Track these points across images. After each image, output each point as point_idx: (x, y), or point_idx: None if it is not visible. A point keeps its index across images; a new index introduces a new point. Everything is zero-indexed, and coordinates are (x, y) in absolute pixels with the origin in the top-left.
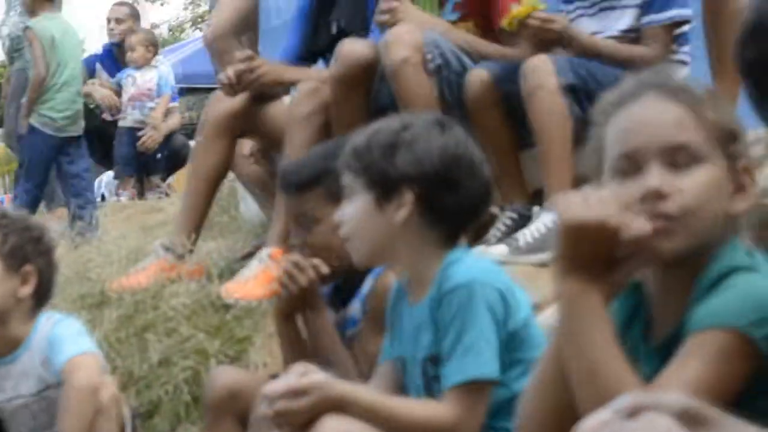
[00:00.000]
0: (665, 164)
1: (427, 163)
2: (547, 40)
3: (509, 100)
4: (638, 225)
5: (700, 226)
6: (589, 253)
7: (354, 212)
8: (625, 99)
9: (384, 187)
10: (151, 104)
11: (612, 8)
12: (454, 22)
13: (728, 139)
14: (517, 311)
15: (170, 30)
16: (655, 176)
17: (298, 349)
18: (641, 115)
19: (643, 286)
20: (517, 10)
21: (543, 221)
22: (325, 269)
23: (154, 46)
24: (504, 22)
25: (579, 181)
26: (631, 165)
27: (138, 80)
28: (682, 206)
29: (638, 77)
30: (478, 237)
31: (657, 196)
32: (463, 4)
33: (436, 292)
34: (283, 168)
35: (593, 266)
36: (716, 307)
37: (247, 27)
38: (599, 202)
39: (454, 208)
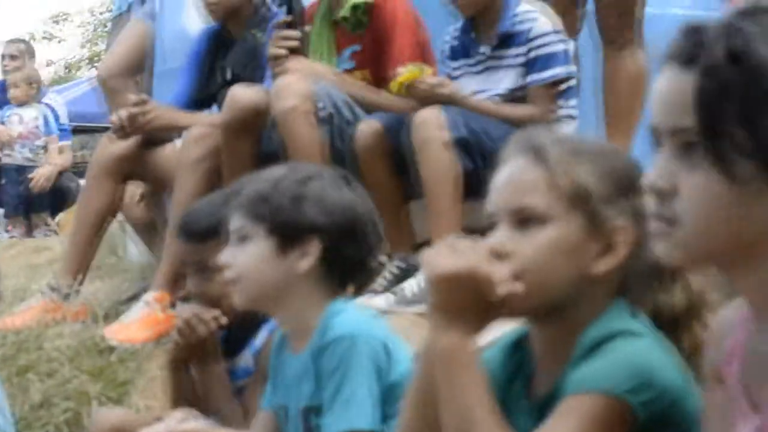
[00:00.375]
0: (514, 225)
1: (336, 215)
2: (438, 102)
3: (399, 152)
4: (499, 276)
5: (543, 286)
6: (463, 303)
7: (249, 257)
8: (502, 161)
9: (289, 235)
10: (38, 142)
11: (496, 68)
12: (349, 71)
13: (584, 201)
14: (399, 363)
15: (66, 68)
16: (499, 236)
17: (187, 397)
18: (501, 177)
19: (528, 341)
20: (403, 75)
21: None
22: (224, 320)
23: (36, 83)
24: (392, 86)
25: (465, 234)
26: (493, 225)
27: (24, 118)
28: (520, 266)
29: (513, 139)
30: (363, 286)
31: (496, 255)
32: (359, 52)
33: (318, 341)
34: (184, 215)
35: (468, 317)
36: (595, 371)
37: (141, 68)
38: (469, 251)
39: (351, 261)
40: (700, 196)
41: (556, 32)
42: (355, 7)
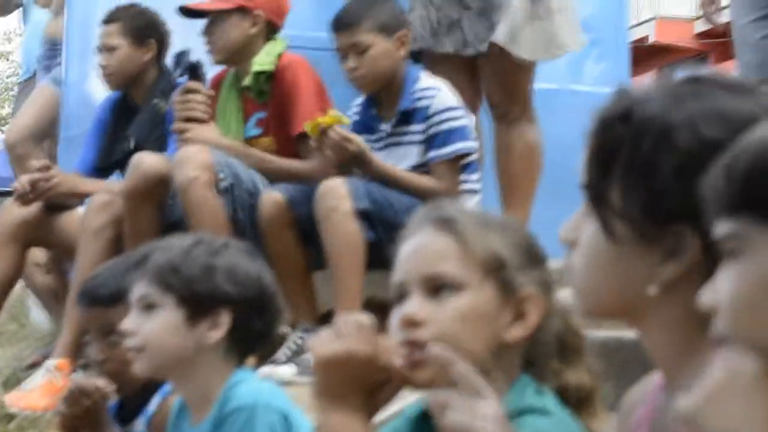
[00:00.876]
0: (426, 293)
1: (246, 286)
2: (343, 158)
3: (303, 222)
4: (388, 358)
5: (460, 353)
6: (344, 385)
7: (157, 326)
8: (408, 232)
9: (201, 306)
10: None
11: (398, 144)
12: (256, 137)
13: (497, 269)
14: None
15: None
16: (412, 304)
17: None
18: (411, 247)
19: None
20: (322, 117)
21: None
22: (111, 390)
23: None
24: (306, 126)
25: (369, 304)
26: (400, 295)
27: None
28: (436, 334)
29: (420, 211)
30: (265, 356)
31: (410, 323)
32: (264, 119)
33: (218, 412)
34: (86, 281)
35: (351, 398)
36: None
37: (48, 134)
38: (352, 333)
39: (257, 332)
40: (587, 249)
41: (457, 107)
42: (257, 76)
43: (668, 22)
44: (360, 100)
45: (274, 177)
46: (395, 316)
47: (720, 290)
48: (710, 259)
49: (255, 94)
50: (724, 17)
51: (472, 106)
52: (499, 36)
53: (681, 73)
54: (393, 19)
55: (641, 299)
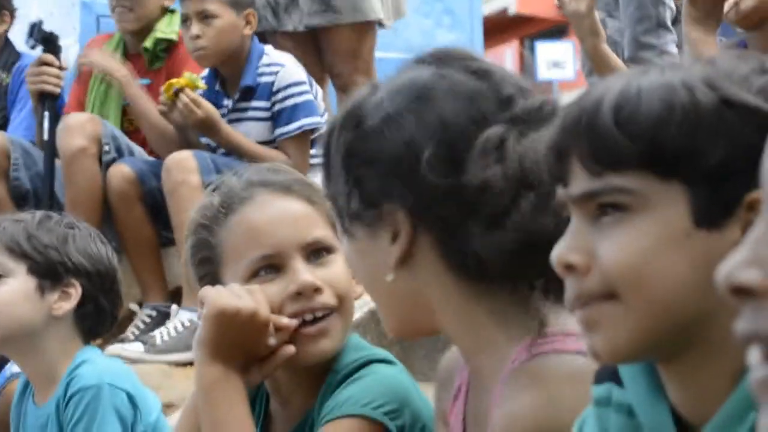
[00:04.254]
0: (305, 259)
1: (97, 263)
2: (191, 122)
3: (152, 197)
4: (287, 321)
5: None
6: (235, 341)
7: (6, 294)
8: (233, 203)
9: (52, 276)
10: None
11: (240, 120)
12: None
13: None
14: (147, 414)
15: None
16: (306, 271)
17: None
18: (268, 216)
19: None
20: (177, 80)
21: (181, 320)
22: None
23: None
24: (163, 87)
25: None
26: (272, 266)
27: None
28: (338, 296)
29: (242, 177)
30: (109, 338)
31: (314, 289)
32: (149, 87)
33: (63, 392)
34: None
35: (236, 355)
36: (352, 396)
37: None
38: (250, 294)
39: (104, 310)
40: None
41: (301, 82)
42: (157, 42)
43: None
44: (204, 73)
45: (150, 125)
46: (285, 286)
47: (601, 249)
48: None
49: (149, 59)
50: None
51: (320, 80)
52: (338, 8)
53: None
54: None
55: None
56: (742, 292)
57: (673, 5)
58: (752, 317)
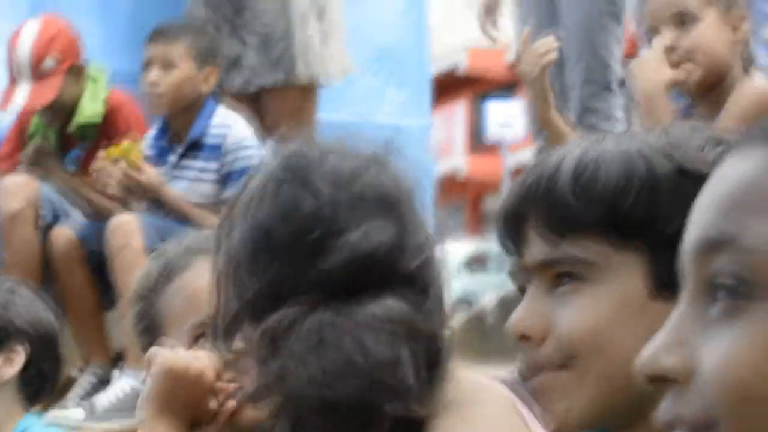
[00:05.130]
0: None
1: (41, 327)
2: (134, 189)
3: (95, 260)
4: (228, 385)
5: None
6: (182, 399)
7: None
8: (172, 271)
9: None
10: None
11: (185, 177)
12: (71, 174)
13: None
14: None
15: None
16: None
17: None
18: (206, 282)
19: None
20: (115, 148)
21: (122, 385)
22: None
23: None
24: (105, 153)
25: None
26: (194, 337)
27: None
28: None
29: (182, 245)
30: (56, 399)
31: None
32: (82, 158)
33: None
34: None
35: (183, 414)
36: None
37: None
38: (197, 355)
39: (46, 375)
40: None
41: (251, 145)
42: (82, 126)
43: (480, 51)
44: (153, 131)
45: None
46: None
47: (559, 317)
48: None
49: (79, 138)
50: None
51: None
52: (287, 64)
53: None
54: (209, 52)
55: None
56: (664, 379)
57: (618, 69)
58: (675, 402)
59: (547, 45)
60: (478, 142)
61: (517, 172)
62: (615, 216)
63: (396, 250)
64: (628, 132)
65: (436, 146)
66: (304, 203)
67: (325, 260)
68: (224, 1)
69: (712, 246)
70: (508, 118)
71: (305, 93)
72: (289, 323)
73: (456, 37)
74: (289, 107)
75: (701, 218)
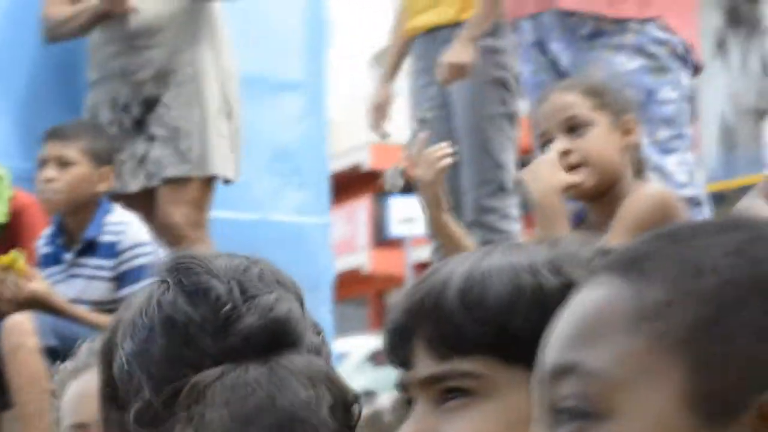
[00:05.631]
0: None
1: None
2: (21, 299)
3: None
4: None
5: None
6: None
7: None
8: (79, 368)
9: None
10: None
11: (80, 275)
12: None
13: None
14: None
15: None
16: None
17: None
18: (80, 389)
19: None
20: (5, 257)
21: None
22: None
23: None
24: None
25: None
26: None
27: None
28: None
29: (90, 346)
30: None
31: None
32: None
33: None
34: None
35: None
36: None
37: None
38: None
39: None
40: None
41: (146, 243)
42: None
43: (383, 148)
44: (48, 230)
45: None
46: None
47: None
48: None
49: None
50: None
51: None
52: (197, 158)
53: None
54: (105, 153)
55: None
56: None
57: (512, 169)
58: None
59: (442, 151)
60: (380, 237)
61: (419, 267)
62: (502, 333)
63: (302, 318)
64: (517, 244)
65: (338, 242)
66: (210, 285)
67: (242, 324)
68: (133, 100)
69: (558, 373)
70: (410, 213)
71: (205, 188)
72: (213, 378)
73: (359, 134)
74: (187, 200)
75: (552, 345)
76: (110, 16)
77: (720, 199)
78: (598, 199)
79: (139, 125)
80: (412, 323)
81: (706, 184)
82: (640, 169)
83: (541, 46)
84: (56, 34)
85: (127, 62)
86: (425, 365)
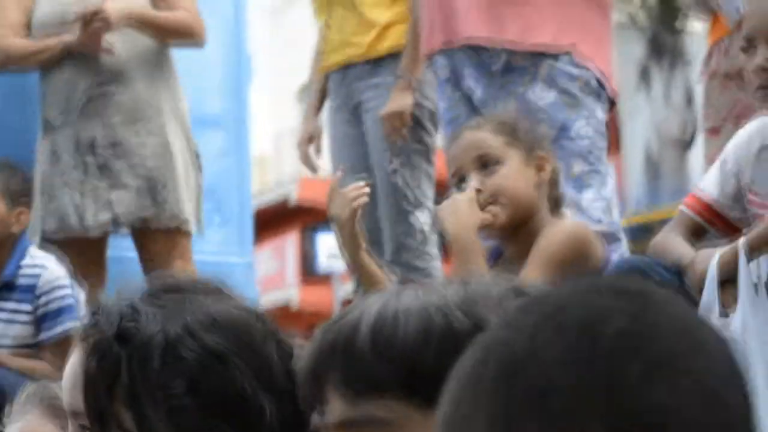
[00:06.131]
0: None
1: None
2: None
3: None
4: None
5: None
6: None
7: None
8: (14, 416)
9: None
10: None
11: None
12: None
13: None
14: None
15: None
16: None
17: None
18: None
19: None
20: None
21: None
22: None
23: None
24: None
25: None
26: None
27: None
28: None
29: (26, 393)
30: None
31: None
32: None
33: None
34: None
35: None
36: None
37: None
38: None
39: None
40: None
41: (65, 285)
42: None
43: (311, 182)
44: None
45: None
46: None
47: None
48: None
49: None
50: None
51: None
52: (170, 208)
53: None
54: (19, 193)
55: None
56: None
57: (430, 207)
58: None
59: (358, 189)
60: (309, 272)
61: (348, 302)
62: (413, 375)
63: None
64: (429, 284)
65: (267, 278)
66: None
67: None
68: (101, 142)
69: None
70: (338, 248)
71: (181, 237)
72: None
73: (287, 168)
74: (157, 248)
75: None
76: (80, 54)
77: (644, 230)
78: (514, 235)
79: (105, 169)
80: (324, 365)
81: (631, 215)
82: (557, 204)
83: (455, 81)
84: (11, 65)
85: (96, 104)
86: (337, 408)
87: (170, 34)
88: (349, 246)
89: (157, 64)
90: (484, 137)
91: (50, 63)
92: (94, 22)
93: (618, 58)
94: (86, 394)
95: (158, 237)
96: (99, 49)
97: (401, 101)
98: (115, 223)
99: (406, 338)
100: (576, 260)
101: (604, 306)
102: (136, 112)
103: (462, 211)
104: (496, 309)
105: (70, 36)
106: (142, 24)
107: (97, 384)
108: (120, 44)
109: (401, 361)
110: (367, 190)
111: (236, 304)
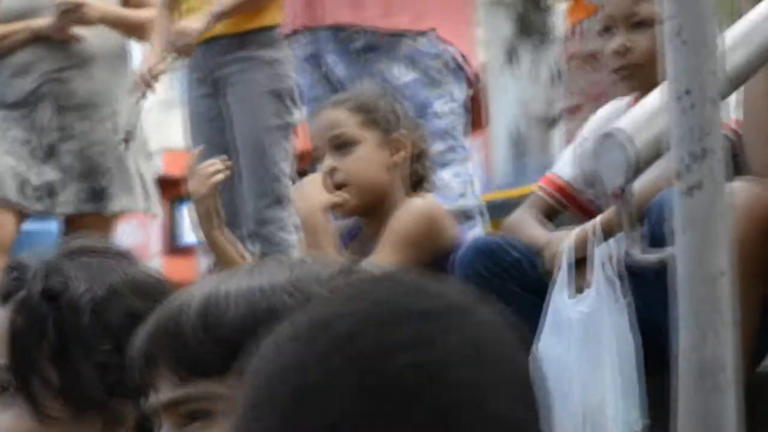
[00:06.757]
0: None
1: None
2: None
3: None
4: None
5: None
6: None
7: None
8: None
9: None
10: None
11: None
12: None
13: None
14: None
15: None
16: None
17: None
18: None
19: None
20: None
21: None
22: None
23: None
24: None
25: None
26: None
27: None
28: None
29: None
30: None
31: None
32: None
33: None
34: None
35: None
36: None
37: None
38: None
39: None
40: None
41: None
42: None
43: (176, 155)
44: None
45: None
46: None
47: None
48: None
49: None
50: None
51: None
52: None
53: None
54: None
55: None
56: None
57: (288, 183)
58: None
59: (216, 165)
60: (173, 244)
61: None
62: (239, 355)
63: None
64: (260, 265)
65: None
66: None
67: None
68: (50, 125)
69: None
70: (194, 225)
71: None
72: None
73: (152, 141)
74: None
75: None
76: (45, 38)
77: (510, 206)
78: (369, 214)
79: (51, 152)
80: (155, 347)
81: (497, 191)
82: (420, 183)
83: (316, 59)
84: None
85: (52, 87)
86: (167, 389)
87: (138, 32)
88: (205, 222)
89: (118, 56)
90: (340, 117)
91: (15, 47)
92: (74, 13)
93: (486, 35)
94: (13, 350)
95: (89, 221)
96: (68, 37)
97: (195, 21)
98: (53, 206)
99: (231, 319)
100: (426, 239)
101: (392, 337)
102: (89, 100)
103: (311, 192)
104: (325, 289)
105: (40, 22)
106: (116, 23)
107: (25, 340)
108: (87, 33)
109: (227, 342)
110: (225, 166)
111: (146, 269)
